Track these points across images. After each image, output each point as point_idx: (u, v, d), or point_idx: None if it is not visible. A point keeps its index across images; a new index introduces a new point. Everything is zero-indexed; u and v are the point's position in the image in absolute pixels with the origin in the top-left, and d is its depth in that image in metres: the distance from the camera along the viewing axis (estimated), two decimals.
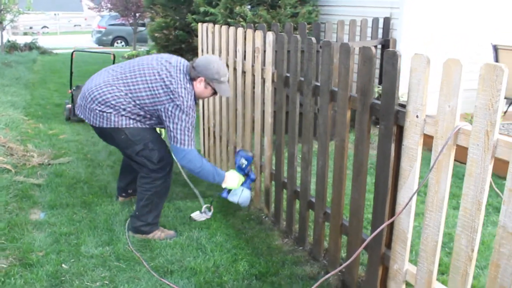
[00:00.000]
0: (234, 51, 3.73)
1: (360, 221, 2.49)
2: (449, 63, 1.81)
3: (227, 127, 4.09)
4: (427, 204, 2.03)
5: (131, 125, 2.97)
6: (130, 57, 12.95)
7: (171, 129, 2.88)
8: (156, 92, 2.88)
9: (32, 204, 3.61)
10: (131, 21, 15.51)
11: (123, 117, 2.94)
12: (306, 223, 3.04)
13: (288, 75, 3.01)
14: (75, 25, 31.77)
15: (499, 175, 3.74)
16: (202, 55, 4.49)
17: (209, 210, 3.42)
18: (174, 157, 3.04)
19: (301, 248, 3.07)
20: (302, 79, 2.84)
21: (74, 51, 6.32)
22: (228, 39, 3.80)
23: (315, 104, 2.85)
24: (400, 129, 2.15)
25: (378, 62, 5.09)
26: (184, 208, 3.62)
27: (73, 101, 6.14)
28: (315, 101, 2.82)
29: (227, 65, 3.89)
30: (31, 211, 3.51)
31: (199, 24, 4.52)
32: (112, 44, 19.27)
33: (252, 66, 3.46)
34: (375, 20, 5.64)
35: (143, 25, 16.38)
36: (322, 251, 2.93)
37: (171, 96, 2.86)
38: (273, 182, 3.42)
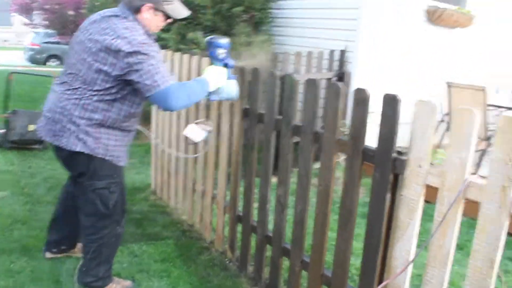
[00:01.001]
0: None
1: (346, 272, 2.30)
2: (461, 112, 1.69)
3: (184, 163, 3.82)
4: (429, 259, 1.89)
5: (106, 157, 2.50)
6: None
7: (136, 80, 2.33)
8: (99, 58, 2.36)
9: None
10: (68, 40, 14.82)
11: (100, 144, 2.47)
12: (279, 271, 2.81)
13: (262, 112, 2.81)
14: (5, 41, 30.13)
15: None
16: None
17: (207, 125, 2.88)
18: (162, 108, 2.42)
19: None
20: (280, 117, 2.65)
21: (12, 73, 5.79)
22: (190, 68, 3.57)
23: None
24: (396, 177, 2.02)
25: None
26: (140, 252, 3.27)
27: (8, 127, 5.59)
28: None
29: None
30: None
31: None
32: (45, 63, 18.33)
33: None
34: (331, 53, 5.62)
35: None
36: None
37: (114, 49, 2.32)
38: (239, 225, 3.17)
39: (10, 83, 5.74)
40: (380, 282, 2.14)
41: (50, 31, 16.22)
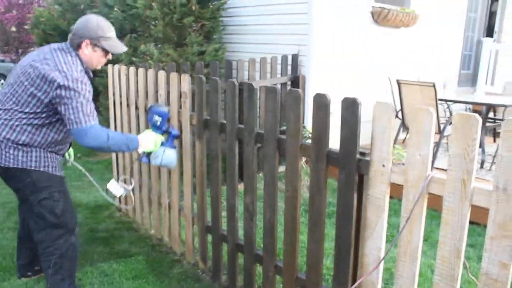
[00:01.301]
0: (155, 95, 3.48)
1: (319, 273, 2.35)
2: (419, 112, 1.77)
3: (148, 176, 3.79)
4: (399, 254, 1.96)
5: (40, 169, 2.63)
6: None
7: (63, 112, 2.51)
8: (36, 85, 2.50)
9: None
10: (13, 58, 14.32)
11: (31, 147, 2.59)
12: (253, 277, 2.84)
13: (224, 122, 2.83)
14: None
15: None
16: (114, 98, 4.16)
17: (129, 183, 3.06)
18: (78, 142, 2.57)
19: None
20: (242, 126, 2.68)
21: None
22: (147, 83, 3.55)
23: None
24: (360, 178, 2.09)
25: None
26: (110, 271, 3.22)
27: None
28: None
29: (146, 111, 3.63)
30: None
31: (109, 66, 4.19)
32: None
33: (178, 111, 3.23)
34: (284, 57, 5.70)
35: None
36: None
37: (50, 79, 2.48)
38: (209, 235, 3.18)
39: None
40: (353, 280, 2.20)
41: None
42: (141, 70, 3.61)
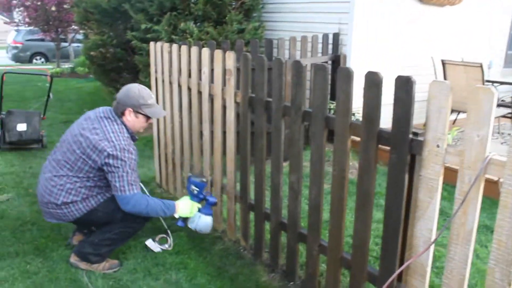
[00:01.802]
0: (198, 72, 3.49)
1: (366, 253, 2.34)
2: (479, 91, 1.71)
3: (190, 153, 3.83)
4: (451, 237, 1.92)
5: (101, 200, 2.90)
6: (53, 75, 12.13)
7: (110, 178, 2.79)
8: (86, 154, 2.78)
9: None
10: (53, 36, 14.60)
11: (88, 199, 2.86)
12: (296, 256, 2.85)
13: (269, 99, 2.82)
14: None
15: None
16: (156, 76, 4.19)
17: (164, 243, 3.30)
18: (121, 207, 2.85)
19: (291, 283, 2.87)
20: (288, 104, 2.66)
21: (4, 73, 5.71)
22: (190, 60, 3.55)
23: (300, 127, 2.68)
24: (412, 158, 2.05)
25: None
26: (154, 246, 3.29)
27: (2, 128, 5.53)
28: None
29: (189, 88, 3.65)
30: None
31: (151, 43, 4.22)
32: (30, 61, 18.04)
33: (222, 89, 3.24)
34: (325, 36, 5.62)
35: (65, 40, 15.49)
36: (317, 286, 2.75)
37: (99, 149, 2.75)
38: (252, 213, 3.20)
39: (3, 85, 5.67)
40: (401, 261, 2.18)
41: (33, 28, 15.94)
42: (184, 47, 3.61)
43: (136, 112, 2.89)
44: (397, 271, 2.09)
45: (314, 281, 2.73)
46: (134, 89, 2.90)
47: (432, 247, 2.02)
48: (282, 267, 3.00)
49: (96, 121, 2.85)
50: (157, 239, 3.31)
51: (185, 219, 3.13)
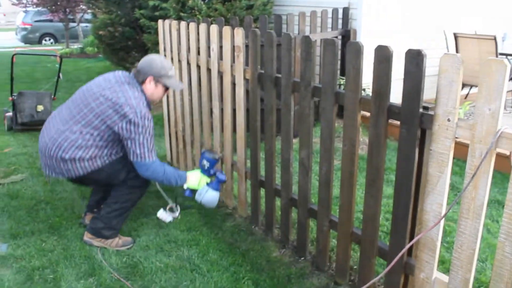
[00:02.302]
0: (207, 50, 3.47)
1: (376, 228, 2.35)
2: (492, 63, 1.68)
3: (200, 131, 3.84)
4: (461, 211, 1.92)
5: (107, 161, 2.89)
6: (62, 55, 12.15)
7: (129, 145, 2.81)
8: (107, 114, 2.77)
9: None
10: (61, 17, 14.56)
11: (95, 158, 2.84)
12: (307, 232, 2.87)
13: (278, 75, 2.80)
14: None
15: None
16: (165, 54, 4.18)
17: (174, 211, 3.38)
18: (139, 173, 2.90)
19: (302, 258, 2.90)
20: (298, 80, 2.64)
21: (14, 55, 5.73)
22: (199, 37, 3.53)
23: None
24: (422, 132, 2.03)
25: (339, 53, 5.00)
26: (165, 223, 3.33)
27: (14, 109, 5.58)
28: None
29: (198, 66, 3.64)
30: None
31: (159, 21, 4.20)
32: (40, 42, 18.04)
33: (231, 66, 3.22)
34: (335, 11, 5.54)
35: (73, 20, 15.45)
36: (327, 261, 2.77)
37: (121, 112, 2.76)
38: (262, 189, 3.21)
39: (13, 66, 5.69)
40: (411, 236, 2.19)
41: (41, 9, 15.90)
42: (192, 25, 3.59)
43: (157, 81, 2.92)
44: (407, 246, 2.10)
45: (325, 257, 2.75)
46: (156, 59, 2.93)
47: (442, 222, 2.02)
48: (293, 242, 3.03)
49: (117, 84, 2.85)
50: (167, 208, 3.36)
51: (193, 191, 3.19)
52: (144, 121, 2.77)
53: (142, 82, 2.90)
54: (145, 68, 2.89)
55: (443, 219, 2.00)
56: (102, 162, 2.86)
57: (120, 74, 2.97)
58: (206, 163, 3.16)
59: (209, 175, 3.20)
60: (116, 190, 3.01)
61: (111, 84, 2.85)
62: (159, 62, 2.92)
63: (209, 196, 3.14)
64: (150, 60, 2.93)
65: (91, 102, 2.81)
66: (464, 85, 5.06)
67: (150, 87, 2.92)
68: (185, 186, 3.13)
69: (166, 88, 3.02)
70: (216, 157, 3.20)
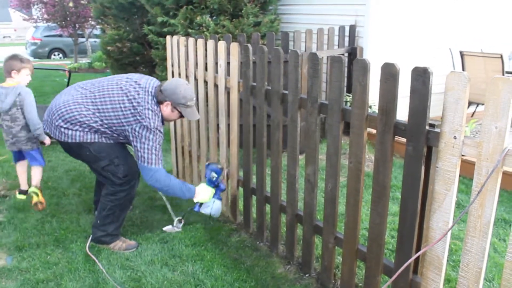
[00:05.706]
0: (214, 66, 3.50)
1: (381, 246, 2.33)
2: (497, 81, 1.69)
3: (206, 146, 3.85)
4: (468, 229, 1.91)
5: (96, 140, 2.98)
6: (71, 70, 12.28)
7: (138, 148, 2.89)
8: (124, 113, 2.90)
9: None
10: (71, 32, 14.75)
11: (88, 133, 2.95)
12: (312, 249, 2.85)
13: (285, 92, 2.82)
14: (4, 37, 30.01)
15: None
16: (172, 69, 4.22)
17: (180, 223, 3.41)
18: (142, 176, 2.98)
19: (307, 275, 2.88)
20: (305, 96, 2.66)
21: None
22: (206, 53, 3.57)
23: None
24: (428, 150, 2.03)
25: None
26: (170, 238, 3.33)
27: None
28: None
29: (205, 81, 3.67)
30: None
31: (168, 37, 4.25)
32: (49, 57, 18.29)
33: (239, 82, 3.25)
34: (341, 28, 5.58)
35: (82, 36, 15.64)
36: (332, 278, 2.75)
37: (138, 117, 2.88)
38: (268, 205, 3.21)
39: None
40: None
41: (51, 24, 16.13)
42: (200, 41, 3.63)
43: (174, 107, 3.00)
44: (412, 258, 2.09)
45: (330, 273, 2.74)
46: (181, 87, 2.99)
47: (448, 240, 2.01)
48: (298, 259, 3.02)
49: (142, 91, 2.95)
50: (174, 224, 3.40)
51: (200, 204, 3.24)
52: (156, 131, 2.89)
53: (160, 102, 2.98)
54: (168, 91, 2.96)
55: (449, 234, 1.99)
56: (91, 139, 2.95)
57: (151, 83, 3.04)
58: (214, 175, 3.23)
59: (214, 186, 3.26)
60: (103, 196, 3.14)
61: (139, 88, 2.95)
62: (183, 91, 2.98)
63: (216, 206, 3.23)
64: (175, 85, 2.99)
65: (115, 94, 2.93)
66: (470, 103, 5.07)
67: (167, 110, 3.01)
68: (195, 200, 3.17)
69: (182, 116, 3.09)
70: (220, 167, 3.29)
